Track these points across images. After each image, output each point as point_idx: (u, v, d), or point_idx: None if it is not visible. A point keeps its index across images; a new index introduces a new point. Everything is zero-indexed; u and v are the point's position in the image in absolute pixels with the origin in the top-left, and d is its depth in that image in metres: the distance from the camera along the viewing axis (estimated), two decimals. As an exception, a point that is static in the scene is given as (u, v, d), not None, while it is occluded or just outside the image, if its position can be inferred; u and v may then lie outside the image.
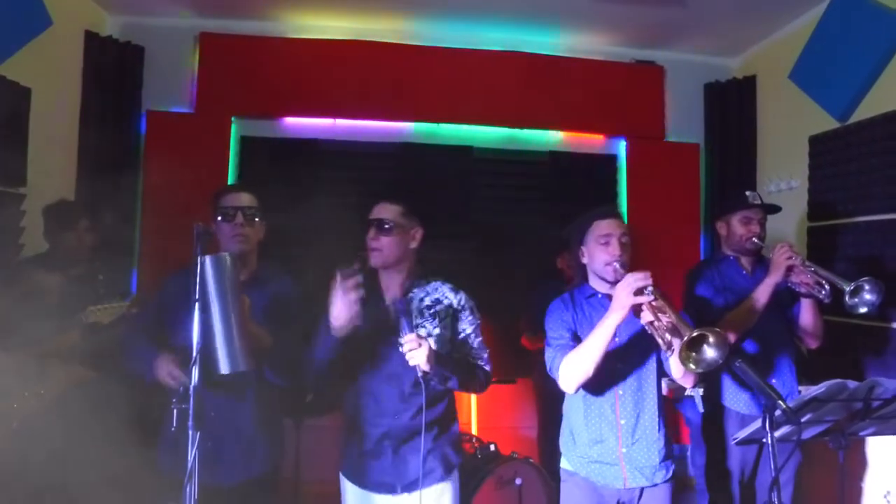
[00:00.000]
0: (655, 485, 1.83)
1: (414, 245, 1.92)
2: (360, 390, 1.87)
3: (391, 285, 1.92)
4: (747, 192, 2.44)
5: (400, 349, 1.66)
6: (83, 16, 3.36)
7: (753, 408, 2.29)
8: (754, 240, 2.35)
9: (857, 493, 2.73)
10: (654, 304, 1.62)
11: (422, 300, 1.90)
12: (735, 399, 2.35)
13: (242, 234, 1.92)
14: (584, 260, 1.95)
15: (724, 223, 2.46)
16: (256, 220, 1.98)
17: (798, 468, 2.34)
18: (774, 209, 2.47)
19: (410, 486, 1.77)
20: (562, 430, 2.00)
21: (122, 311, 2.21)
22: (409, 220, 1.90)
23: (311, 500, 3.16)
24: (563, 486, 1.96)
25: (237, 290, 1.62)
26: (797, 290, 2.25)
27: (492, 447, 2.97)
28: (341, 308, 1.65)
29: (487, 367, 1.94)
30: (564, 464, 1.96)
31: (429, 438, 1.80)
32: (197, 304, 1.53)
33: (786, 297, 2.35)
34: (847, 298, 2.08)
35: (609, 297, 1.85)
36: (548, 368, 1.89)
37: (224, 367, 1.58)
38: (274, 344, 1.86)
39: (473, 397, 3.54)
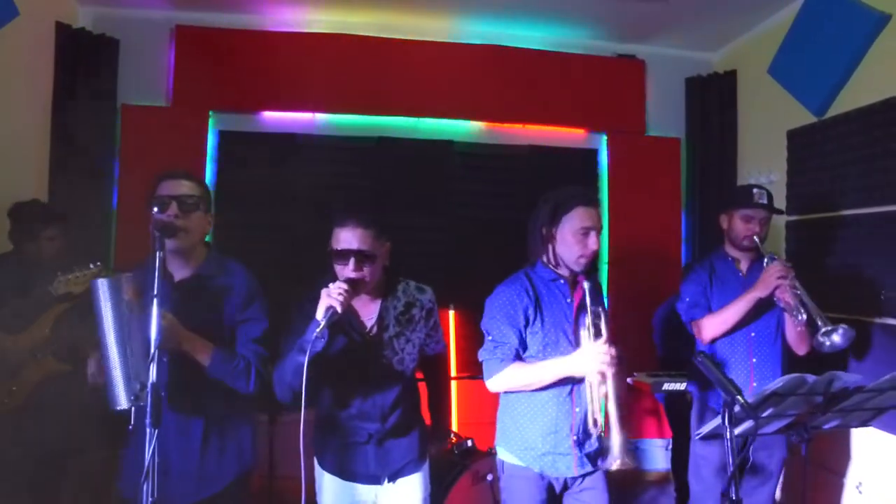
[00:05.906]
0: (596, 470, 1.85)
1: (385, 263, 1.80)
2: (344, 396, 1.82)
3: (364, 303, 1.84)
4: (754, 190, 2.38)
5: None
6: (52, 6, 3.28)
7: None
8: (754, 238, 2.33)
9: (830, 484, 2.76)
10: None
11: (395, 308, 1.84)
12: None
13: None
14: (553, 244, 1.82)
15: (727, 217, 2.44)
16: (198, 210, 1.76)
17: (783, 462, 2.35)
18: (778, 211, 2.44)
19: (393, 476, 1.84)
20: (501, 424, 1.94)
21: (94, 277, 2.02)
22: (382, 240, 1.75)
23: (287, 496, 3.15)
24: (506, 479, 1.90)
25: (137, 313, 1.53)
26: (778, 303, 2.25)
27: (469, 443, 2.97)
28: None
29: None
30: (509, 458, 1.89)
31: (411, 433, 1.88)
32: (155, 301, 1.51)
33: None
34: (819, 334, 2.12)
35: (566, 281, 1.84)
36: (481, 362, 1.85)
37: (120, 402, 1.48)
38: (217, 352, 1.71)
39: (454, 393, 3.53)
